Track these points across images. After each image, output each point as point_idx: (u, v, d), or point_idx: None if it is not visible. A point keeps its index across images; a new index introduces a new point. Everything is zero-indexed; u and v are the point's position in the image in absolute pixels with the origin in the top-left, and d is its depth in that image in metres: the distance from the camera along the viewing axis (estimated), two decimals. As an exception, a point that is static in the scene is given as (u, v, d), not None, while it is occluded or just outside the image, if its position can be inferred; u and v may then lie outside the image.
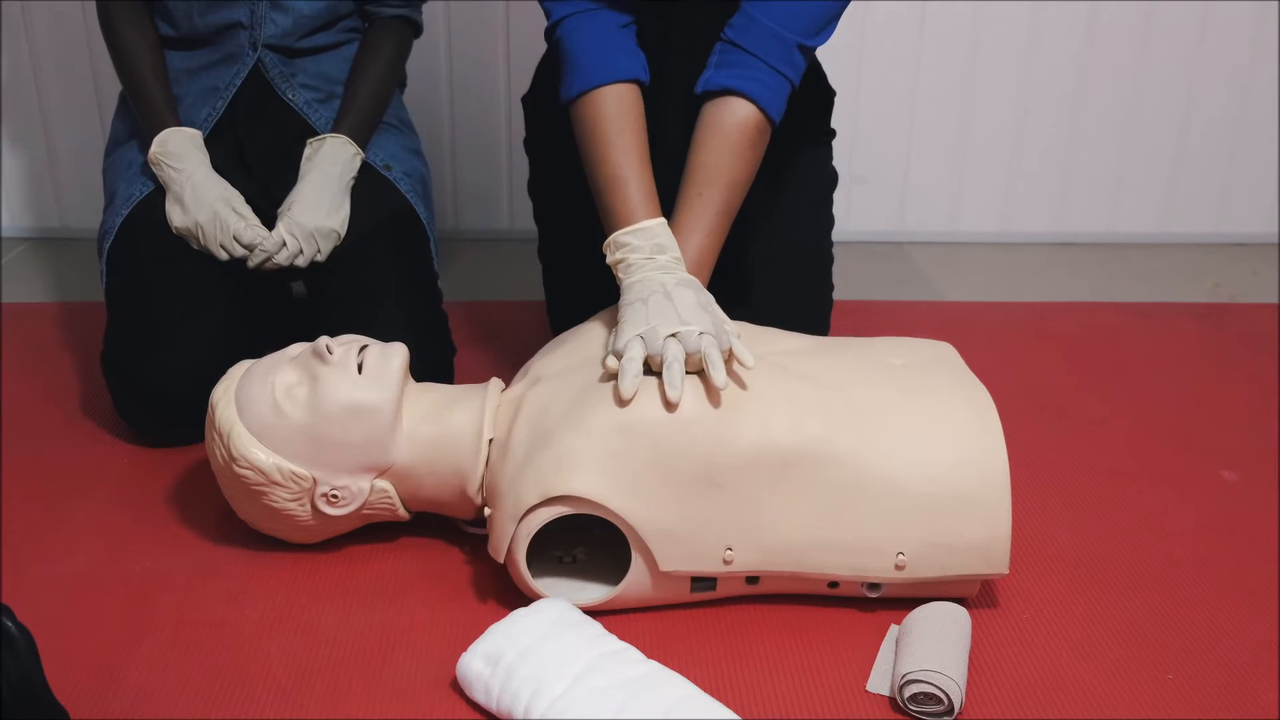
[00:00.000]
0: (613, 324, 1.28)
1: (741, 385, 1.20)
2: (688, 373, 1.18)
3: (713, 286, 1.40)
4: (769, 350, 1.29)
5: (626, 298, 1.25)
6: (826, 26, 1.38)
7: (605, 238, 1.34)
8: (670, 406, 1.16)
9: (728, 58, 1.37)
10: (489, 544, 1.21)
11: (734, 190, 1.37)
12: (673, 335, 1.18)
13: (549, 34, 1.44)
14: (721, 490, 1.16)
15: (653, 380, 1.19)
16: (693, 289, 1.25)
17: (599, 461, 1.15)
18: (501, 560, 1.19)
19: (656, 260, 1.28)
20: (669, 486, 1.16)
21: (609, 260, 1.32)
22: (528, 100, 1.65)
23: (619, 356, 1.19)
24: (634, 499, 1.15)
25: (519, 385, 1.29)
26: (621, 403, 1.16)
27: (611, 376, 1.20)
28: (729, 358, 1.20)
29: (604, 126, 1.36)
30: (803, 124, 1.57)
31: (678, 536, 1.17)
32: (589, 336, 1.32)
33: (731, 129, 1.36)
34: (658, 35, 1.45)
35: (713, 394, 1.18)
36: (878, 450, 1.18)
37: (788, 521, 1.17)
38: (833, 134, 1.64)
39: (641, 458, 1.15)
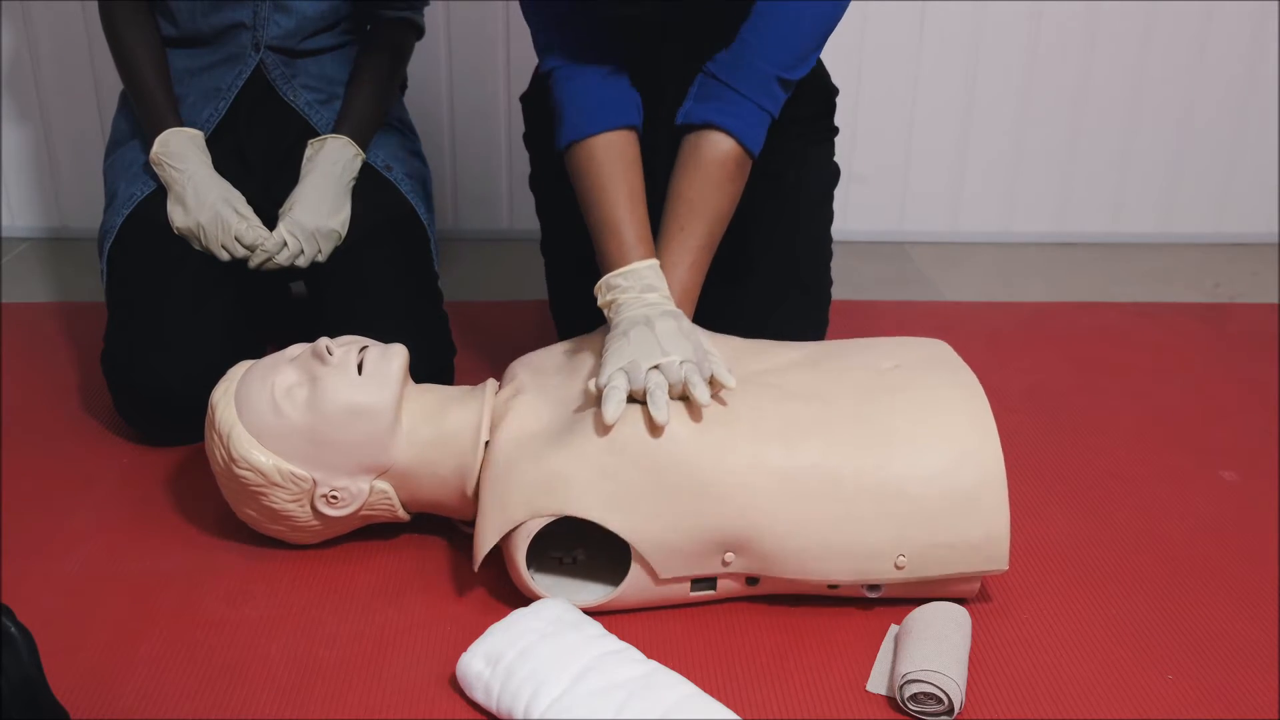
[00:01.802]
0: (600, 346, 1.29)
1: (724, 405, 1.20)
2: (672, 399, 1.19)
3: (711, 283, 1.40)
4: (760, 368, 1.29)
5: (611, 334, 1.26)
6: (807, 59, 1.38)
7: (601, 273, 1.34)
8: (657, 430, 1.17)
9: (707, 90, 1.37)
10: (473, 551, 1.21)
11: (715, 223, 1.38)
12: (654, 368, 1.19)
13: (543, 80, 1.44)
14: (718, 504, 1.16)
15: (639, 406, 1.19)
16: (674, 318, 1.25)
17: (591, 481, 1.16)
18: (476, 568, 1.19)
19: (644, 299, 1.29)
20: (663, 501, 1.16)
21: (600, 303, 1.32)
22: (526, 98, 1.65)
23: (600, 390, 1.20)
24: (628, 515, 1.16)
25: (504, 393, 1.30)
26: (605, 429, 1.17)
27: (596, 403, 1.21)
28: (712, 384, 1.20)
29: (595, 173, 1.36)
30: (806, 119, 1.57)
31: (675, 548, 1.17)
32: (579, 356, 1.32)
33: (711, 163, 1.36)
34: (650, 64, 1.44)
35: (697, 414, 1.18)
36: (874, 458, 1.18)
37: (786, 532, 1.17)
38: (835, 131, 1.64)
39: (634, 475, 1.16)
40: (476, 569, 1.20)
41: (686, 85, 1.40)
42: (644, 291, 1.29)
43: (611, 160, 1.36)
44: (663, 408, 1.15)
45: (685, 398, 1.20)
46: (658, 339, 1.21)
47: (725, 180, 1.37)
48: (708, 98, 1.37)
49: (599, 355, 1.29)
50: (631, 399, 1.19)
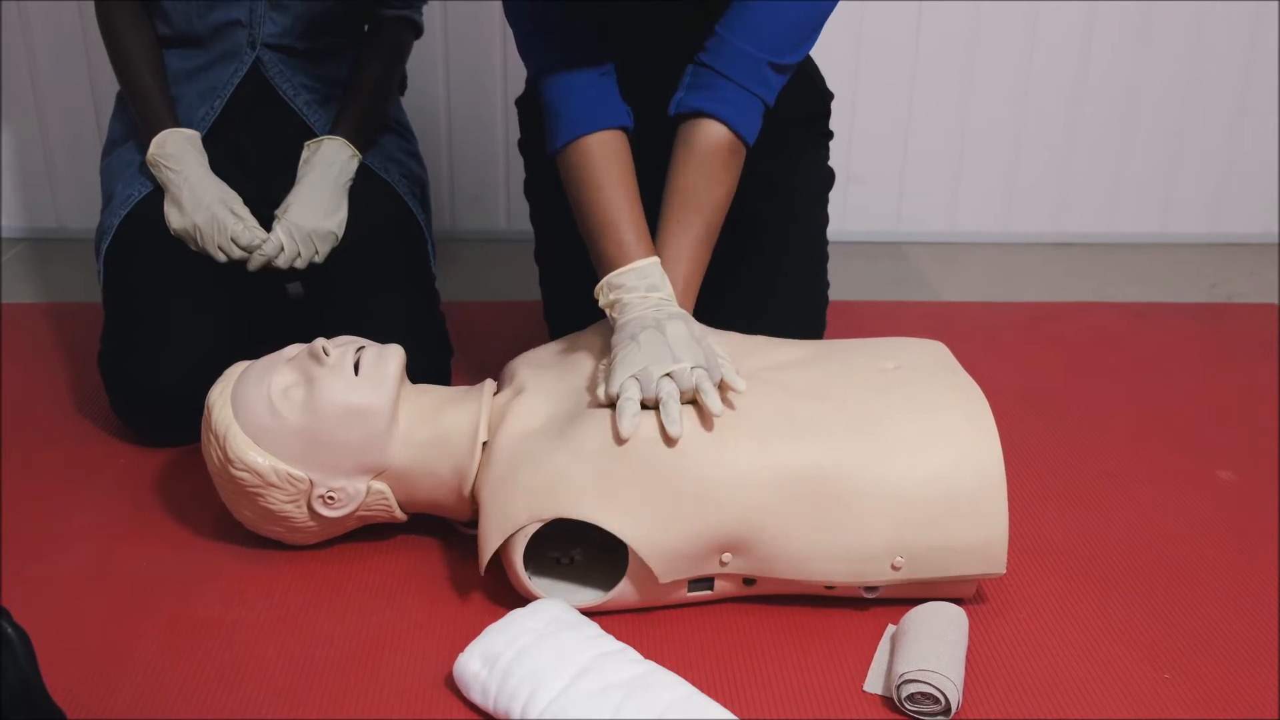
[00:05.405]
0: (605, 340, 1.29)
1: (734, 408, 1.20)
2: (682, 403, 1.19)
3: (708, 285, 1.40)
4: (761, 365, 1.29)
5: (619, 336, 1.25)
6: (800, 44, 1.37)
7: (599, 279, 1.33)
8: (670, 441, 1.16)
9: (699, 79, 1.37)
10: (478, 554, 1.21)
11: (713, 213, 1.37)
12: (666, 375, 1.18)
13: (532, 84, 1.44)
14: (718, 507, 1.16)
15: (649, 411, 1.19)
16: (683, 321, 1.25)
17: (592, 482, 1.15)
18: (483, 572, 1.19)
19: (649, 299, 1.28)
20: (664, 504, 1.15)
21: (602, 303, 1.32)
22: (522, 102, 1.64)
23: (613, 400, 1.19)
24: (628, 518, 1.15)
25: (504, 393, 1.30)
26: (619, 441, 1.16)
27: (602, 405, 1.20)
28: (721, 387, 1.20)
29: (591, 173, 1.36)
30: (800, 125, 1.57)
31: (674, 551, 1.16)
32: (579, 354, 1.32)
33: (704, 151, 1.36)
34: (640, 59, 1.44)
35: (707, 420, 1.18)
36: (874, 458, 1.18)
37: (785, 533, 1.17)
38: (830, 135, 1.64)
39: (635, 478, 1.15)
40: (483, 572, 1.20)
41: (673, 85, 1.40)
42: (649, 291, 1.29)
43: (607, 159, 1.36)
44: (676, 421, 1.15)
45: (694, 401, 1.20)
46: (669, 344, 1.20)
47: (719, 169, 1.37)
48: (699, 86, 1.36)
49: (599, 352, 1.29)
50: (643, 405, 1.19)
